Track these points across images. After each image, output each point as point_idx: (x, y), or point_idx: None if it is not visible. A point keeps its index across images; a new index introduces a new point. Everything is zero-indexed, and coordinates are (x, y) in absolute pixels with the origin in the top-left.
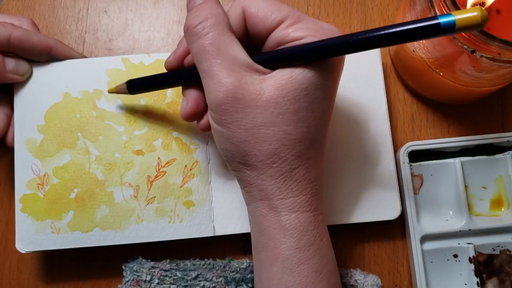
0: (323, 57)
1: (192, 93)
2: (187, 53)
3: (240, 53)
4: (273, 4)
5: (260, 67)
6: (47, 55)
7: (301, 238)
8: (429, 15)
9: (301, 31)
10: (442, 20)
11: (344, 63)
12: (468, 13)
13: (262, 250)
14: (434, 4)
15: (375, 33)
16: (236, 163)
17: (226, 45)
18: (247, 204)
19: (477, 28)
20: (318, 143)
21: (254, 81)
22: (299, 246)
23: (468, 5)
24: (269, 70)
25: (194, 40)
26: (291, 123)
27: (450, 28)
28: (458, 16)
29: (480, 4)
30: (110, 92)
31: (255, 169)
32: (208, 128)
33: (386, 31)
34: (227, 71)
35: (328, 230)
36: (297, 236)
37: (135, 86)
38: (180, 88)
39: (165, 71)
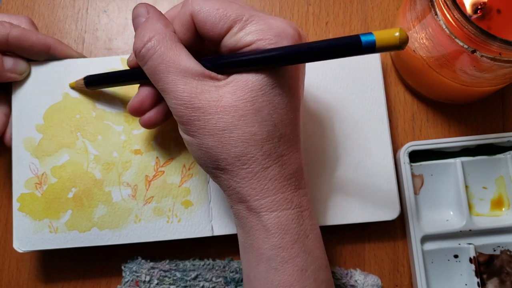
0: (265, 66)
1: (143, 91)
2: None
3: (190, 64)
4: (221, 9)
5: (213, 74)
6: (45, 54)
7: (283, 237)
8: (429, 15)
9: (251, 35)
10: (363, 38)
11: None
12: (388, 34)
13: (248, 251)
14: (434, 3)
15: (299, 48)
16: (210, 169)
17: (174, 60)
18: (231, 207)
19: (396, 49)
20: (289, 138)
21: (210, 88)
22: (282, 245)
23: (467, 5)
24: (223, 76)
25: (144, 63)
26: (255, 123)
27: (371, 47)
28: (378, 36)
29: (480, 4)
30: (71, 86)
31: (227, 172)
32: (148, 125)
33: (309, 46)
34: (181, 85)
35: (328, 230)
36: (279, 235)
37: (92, 81)
38: None
39: None
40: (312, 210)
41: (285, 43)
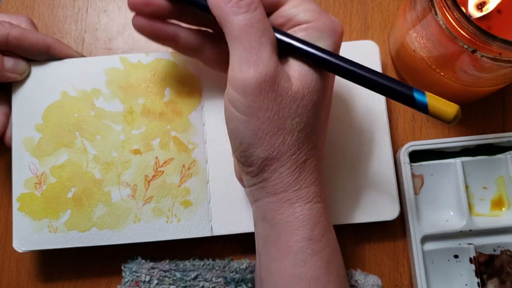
0: (329, 69)
1: None
2: None
3: (274, 38)
4: None
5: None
6: (45, 54)
7: (314, 229)
8: (429, 15)
9: (308, 13)
10: (417, 96)
11: (341, 55)
12: (444, 107)
13: (271, 245)
14: (435, 3)
15: (366, 72)
16: (255, 158)
17: (270, 29)
18: (255, 201)
19: (445, 122)
20: (324, 134)
21: (282, 70)
22: (312, 238)
23: (470, 6)
24: (283, 58)
25: (241, 12)
26: (311, 115)
27: (423, 107)
28: (432, 103)
29: (481, 5)
30: None
31: (276, 161)
32: (137, 22)
33: (372, 76)
34: (269, 52)
35: None
36: (310, 227)
37: None
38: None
39: (164, 73)
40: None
41: (334, 37)
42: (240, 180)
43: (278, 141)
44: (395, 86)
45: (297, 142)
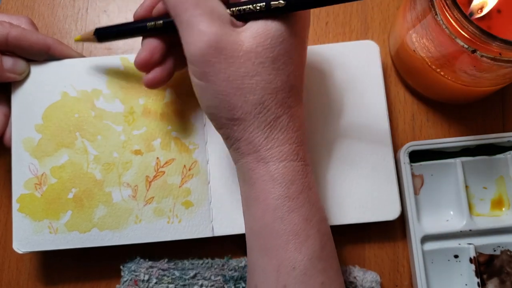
0: (294, 10)
1: (150, 42)
2: (155, 3)
3: (218, 4)
4: None
5: (234, 20)
6: (45, 54)
7: (290, 187)
8: (429, 15)
9: None
10: None
11: (341, 55)
12: None
13: (253, 203)
14: (435, 3)
15: None
16: (222, 120)
17: None
18: (235, 163)
19: None
20: (297, 90)
21: (232, 32)
22: (288, 195)
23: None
24: (241, 23)
25: None
26: (272, 71)
27: None
28: None
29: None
30: (76, 40)
31: (242, 122)
32: (153, 84)
33: None
34: (208, 21)
35: None
36: (286, 185)
37: (104, 34)
38: (179, 86)
39: None
40: (312, 168)
41: None
42: None
43: (240, 100)
44: None
45: (261, 100)
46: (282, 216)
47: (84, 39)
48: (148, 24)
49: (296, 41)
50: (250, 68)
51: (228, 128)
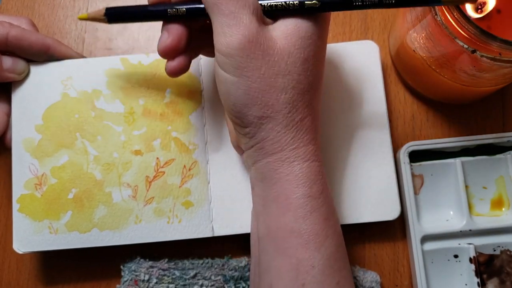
0: (326, 10)
1: (176, 28)
2: None
3: (256, 3)
4: None
5: (265, 18)
6: (45, 55)
7: (312, 186)
8: (429, 15)
9: None
10: None
11: (341, 55)
12: None
13: (272, 204)
14: None
15: None
16: (250, 117)
17: None
18: (254, 163)
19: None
20: (319, 92)
21: (266, 29)
22: (311, 194)
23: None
24: (270, 20)
25: None
26: (302, 72)
27: None
28: None
29: (481, 5)
30: (81, 18)
31: (271, 120)
32: (177, 72)
33: None
34: (249, 15)
35: None
36: (309, 184)
37: (115, 15)
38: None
39: (165, 74)
40: None
41: None
42: (237, 148)
43: (272, 98)
44: None
45: (292, 99)
46: (304, 216)
47: (91, 18)
48: (169, 10)
49: (321, 44)
50: (283, 67)
51: (256, 126)
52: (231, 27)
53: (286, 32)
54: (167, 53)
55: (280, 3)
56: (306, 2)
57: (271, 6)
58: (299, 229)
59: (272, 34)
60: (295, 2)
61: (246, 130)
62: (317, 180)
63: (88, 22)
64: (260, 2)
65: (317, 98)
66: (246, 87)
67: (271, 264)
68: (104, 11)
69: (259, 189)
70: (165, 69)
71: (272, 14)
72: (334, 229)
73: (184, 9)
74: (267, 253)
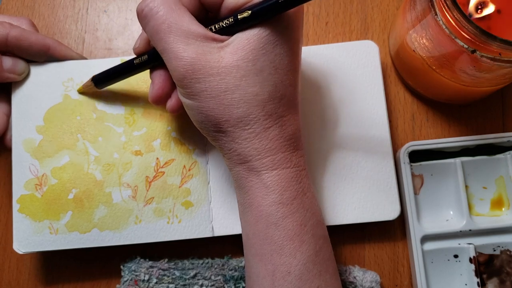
0: (272, 15)
1: (158, 75)
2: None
3: (193, 25)
4: None
5: (216, 36)
6: (45, 55)
7: (283, 193)
8: (429, 15)
9: None
10: None
11: (341, 55)
12: None
13: (247, 210)
14: (434, 3)
15: None
16: (211, 132)
17: (177, 20)
18: (230, 170)
19: None
20: (288, 100)
21: (212, 50)
22: (282, 201)
23: (470, 5)
24: (226, 37)
25: (146, 23)
26: (256, 83)
27: None
28: None
29: (481, 5)
30: (80, 92)
31: (229, 134)
32: (177, 109)
33: None
34: (182, 45)
35: (328, 230)
36: (279, 191)
37: (100, 80)
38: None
39: None
40: (308, 171)
41: None
42: None
43: (225, 114)
44: None
45: (246, 113)
46: (276, 222)
47: (85, 88)
48: (135, 61)
49: (282, 51)
50: (231, 82)
51: (219, 139)
52: (170, 63)
53: (236, 46)
54: (159, 101)
55: (220, 24)
56: (238, 16)
57: (215, 27)
58: (272, 235)
59: (221, 52)
60: (230, 19)
61: (213, 143)
62: (289, 187)
63: (89, 22)
64: (212, 23)
65: (285, 105)
66: (197, 107)
67: (251, 270)
68: (91, 79)
69: (238, 195)
70: (167, 109)
71: (224, 31)
72: (312, 233)
73: (146, 56)
74: (248, 260)
